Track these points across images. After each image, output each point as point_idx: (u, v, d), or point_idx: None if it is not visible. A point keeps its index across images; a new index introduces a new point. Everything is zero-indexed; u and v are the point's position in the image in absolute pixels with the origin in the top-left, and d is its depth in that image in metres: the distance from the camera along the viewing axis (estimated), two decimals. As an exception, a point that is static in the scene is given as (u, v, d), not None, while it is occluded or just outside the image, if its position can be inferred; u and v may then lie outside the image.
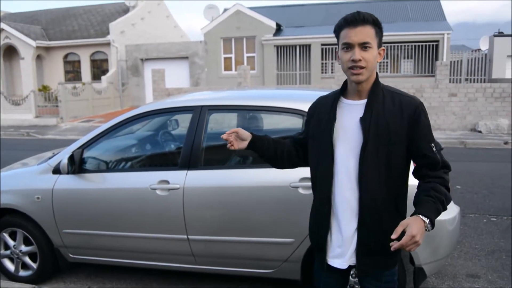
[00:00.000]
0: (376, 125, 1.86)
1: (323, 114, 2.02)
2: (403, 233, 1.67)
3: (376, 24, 1.86)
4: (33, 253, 3.85)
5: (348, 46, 1.84)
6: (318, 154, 2.01)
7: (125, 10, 24.90)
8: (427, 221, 1.73)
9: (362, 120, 1.88)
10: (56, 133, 15.41)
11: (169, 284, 3.83)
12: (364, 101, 1.93)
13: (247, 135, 2.14)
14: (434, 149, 1.91)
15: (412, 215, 1.77)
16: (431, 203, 1.80)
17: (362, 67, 1.83)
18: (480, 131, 13.10)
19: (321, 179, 2.00)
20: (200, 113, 3.38)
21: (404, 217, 1.98)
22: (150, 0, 25.33)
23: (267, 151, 2.17)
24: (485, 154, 10.34)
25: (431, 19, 21.57)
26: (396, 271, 2.06)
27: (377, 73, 1.97)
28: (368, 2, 23.44)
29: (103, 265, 3.88)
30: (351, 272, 2.00)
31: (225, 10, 21.73)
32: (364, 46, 1.82)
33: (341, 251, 1.98)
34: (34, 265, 3.85)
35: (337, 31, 1.91)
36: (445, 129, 13.60)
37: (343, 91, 2.02)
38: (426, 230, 1.72)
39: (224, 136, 2.09)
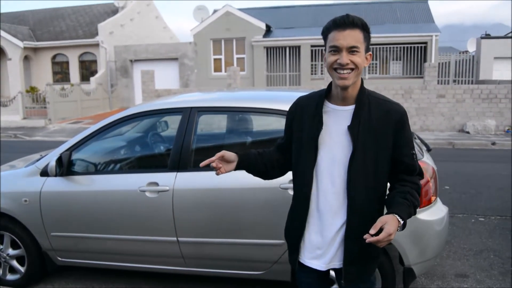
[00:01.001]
0: (364, 133, 1.87)
1: (307, 117, 1.98)
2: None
3: (365, 29, 1.85)
4: (20, 257, 3.80)
5: (336, 49, 1.82)
6: (300, 156, 1.99)
7: (114, 11, 24.77)
8: (401, 222, 1.77)
9: (351, 128, 1.87)
10: (44, 135, 15.27)
11: (158, 286, 3.81)
12: (350, 107, 1.91)
13: (233, 157, 2.08)
14: (415, 157, 1.95)
15: (388, 213, 1.80)
16: (406, 206, 1.84)
17: (351, 69, 1.81)
18: (468, 132, 13.24)
19: (301, 181, 1.99)
20: (189, 114, 3.37)
21: None
22: (139, 1, 25.21)
23: (255, 166, 2.15)
24: (473, 155, 10.46)
25: (419, 21, 21.78)
26: (374, 275, 2.14)
27: (362, 79, 1.96)
28: (357, 4, 23.61)
29: (92, 268, 3.84)
30: (341, 281, 2.01)
31: (215, 11, 21.74)
32: (352, 49, 1.80)
33: (321, 253, 1.99)
34: (22, 269, 3.80)
35: (325, 33, 1.88)
36: (433, 130, 13.73)
37: (327, 94, 1.99)
38: (397, 230, 1.76)
39: (212, 164, 2.01)
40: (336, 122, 1.92)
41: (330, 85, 1.98)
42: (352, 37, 1.80)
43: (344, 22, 1.81)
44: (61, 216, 3.56)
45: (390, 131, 1.89)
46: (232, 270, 3.37)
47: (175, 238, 3.32)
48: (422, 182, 2.97)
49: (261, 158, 2.15)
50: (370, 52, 1.93)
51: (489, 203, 6.11)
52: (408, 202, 1.84)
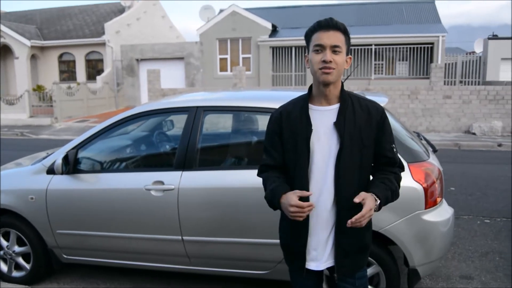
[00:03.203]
0: (350, 129, 1.95)
1: (294, 124, 2.02)
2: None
3: (346, 33, 1.95)
4: (26, 254, 3.83)
5: (320, 48, 1.90)
6: (296, 161, 2.01)
7: (121, 10, 24.88)
8: (378, 201, 1.92)
9: (337, 125, 1.95)
10: (50, 133, 15.34)
11: (163, 285, 3.82)
12: (334, 106, 1.99)
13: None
14: (395, 150, 2.07)
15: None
16: (383, 188, 1.96)
17: (332, 68, 1.89)
18: (474, 133, 13.17)
19: (300, 184, 2.00)
20: (195, 113, 3.37)
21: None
22: (146, 1, 25.29)
23: None
24: (479, 156, 10.40)
25: (426, 21, 21.68)
26: (366, 268, 2.21)
27: (342, 82, 2.04)
28: (363, 4, 23.52)
29: (97, 265, 3.86)
30: (335, 275, 2.06)
31: (221, 11, 21.75)
32: (335, 49, 1.89)
33: (316, 254, 2.05)
34: (28, 266, 3.83)
35: (309, 35, 1.97)
36: (439, 131, 13.67)
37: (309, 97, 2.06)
38: (374, 210, 1.89)
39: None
40: (322, 121, 1.99)
41: (310, 88, 2.06)
42: (335, 37, 1.91)
43: (328, 24, 1.92)
44: (67, 214, 3.58)
45: (373, 129, 1.99)
46: (236, 270, 3.38)
47: (180, 237, 3.33)
48: (428, 183, 3.02)
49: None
50: (350, 56, 2.04)
51: (495, 205, 6.08)
52: (385, 186, 1.97)
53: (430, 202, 3.06)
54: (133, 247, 3.51)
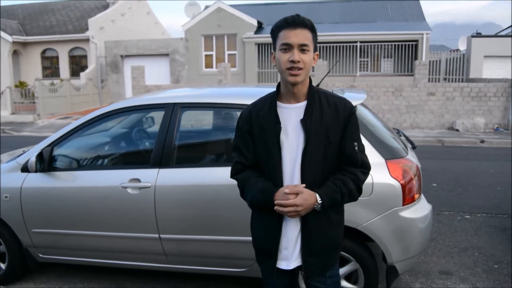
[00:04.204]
0: (316, 127, 1.93)
1: (263, 121, 2.00)
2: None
3: (313, 30, 1.92)
4: (1, 254, 3.75)
5: (288, 47, 1.87)
6: (268, 158, 1.99)
7: (105, 6, 24.56)
8: (319, 201, 1.89)
9: (303, 122, 1.93)
10: (32, 130, 15.12)
11: (142, 284, 3.77)
12: (302, 103, 1.97)
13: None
14: (357, 148, 2.00)
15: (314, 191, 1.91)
16: (332, 190, 1.92)
17: (300, 68, 1.87)
18: (457, 130, 13.30)
19: (274, 184, 1.97)
20: (172, 110, 3.33)
21: (340, 214, 2.11)
22: (130, -4, 25.03)
23: None
24: (462, 152, 10.50)
25: (410, 19, 21.81)
26: (338, 266, 2.18)
27: (310, 77, 2.02)
28: (348, 1, 23.56)
29: (74, 265, 3.80)
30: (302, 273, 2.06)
31: (206, 7, 21.62)
32: (302, 48, 1.87)
33: (287, 253, 2.03)
34: (3, 266, 3.75)
35: (276, 32, 1.93)
36: (423, 128, 13.77)
37: (277, 94, 2.04)
38: (314, 208, 1.89)
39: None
40: (290, 119, 1.97)
41: (278, 86, 2.04)
42: (302, 35, 1.87)
43: (295, 21, 1.88)
44: (42, 212, 3.51)
45: (340, 126, 1.96)
46: (214, 267, 3.35)
47: (157, 235, 3.29)
48: (405, 180, 3.02)
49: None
50: (317, 52, 2.01)
51: (476, 201, 6.14)
52: (335, 188, 1.93)
53: (408, 199, 3.06)
54: (110, 245, 3.46)
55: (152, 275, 3.86)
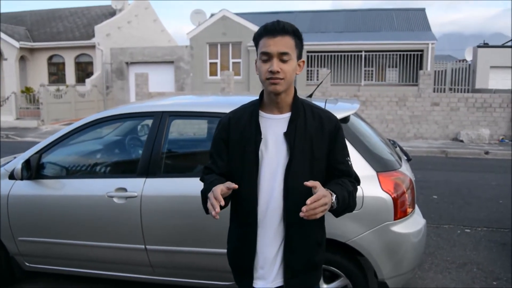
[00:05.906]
0: (300, 140, 1.82)
1: (243, 131, 1.88)
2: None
3: (296, 35, 1.80)
4: (-13, 262, 3.69)
5: (267, 56, 1.77)
6: (244, 170, 1.86)
7: (112, 13, 24.71)
8: (334, 196, 1.72)
9: (287, 135, 1.82)
10: (35, 136, 15.14)
11: (129, 295, 3.70)
12: (285, 115, 1.87)
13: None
14: (350, 163, 1.92)
15: None
16: (340, 188, 1.80)
17: (280, 78, 1.76)
18: (461, 141, 13.15)
19: (248, 196, 1.86)
20: (160, 118, 3.27)
21: (322, 233, 2.00)
22: (137, 4, 25.17)
23: None
24: (465, 164, 10.36)
25: (416, 28, 21.76)
26: (318, 286, 2.07)
27: (295, 88, 1.92)
28: (354, 11, 23.56)
29: (61, 274, 3.73)
30: None
31: (212, 15, 21.68)
32: (282, 57, 1.75)
33: (263, 272, 1.91)
34: (-11, 274, 3.69)
35: (257, 39, 1.83)
36: (427, 138, 13.64)
37: (260, 103, 1.92)
38: (332, 206, 1.72)
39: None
40: (273, 130, 1.86)
41: (262, 94, 1.93)
42: (282, 43, 1.76)
43: (275, 28, 1.77)
44: (29, 220, 3.45)
45: (326, 139, 1.86)
46: (201, 280, 3.26)
47: (143, 246, 3.21)
48: (397, 193, 2.94)
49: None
50: (303, 59, 1.89)
51: (477, 214, 6.01)
52: (341, 186, 1.81)
53: (399, 213, 2.96)
54: (96, 255, 3.39)
55: (138, 287, 3.77)
